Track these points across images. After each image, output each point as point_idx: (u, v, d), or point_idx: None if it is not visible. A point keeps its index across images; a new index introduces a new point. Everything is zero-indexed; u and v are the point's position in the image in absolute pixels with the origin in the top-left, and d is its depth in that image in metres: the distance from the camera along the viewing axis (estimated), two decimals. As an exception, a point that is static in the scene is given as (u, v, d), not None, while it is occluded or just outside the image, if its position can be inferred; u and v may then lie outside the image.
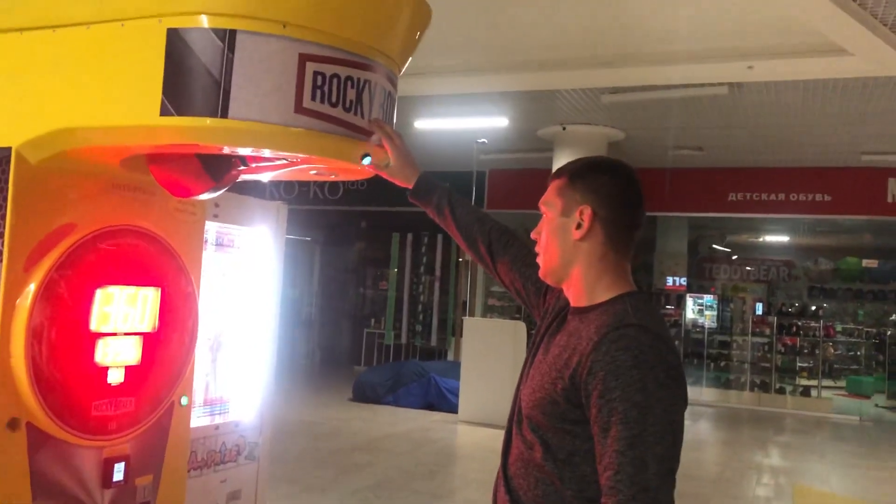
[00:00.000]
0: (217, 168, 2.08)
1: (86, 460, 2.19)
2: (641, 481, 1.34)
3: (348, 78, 1.90)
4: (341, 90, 1.88)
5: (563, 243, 1.59)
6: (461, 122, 9.54)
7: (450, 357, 13.72)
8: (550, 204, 1.63)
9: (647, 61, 6.98)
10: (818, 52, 6.52)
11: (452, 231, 2.04)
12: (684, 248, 16.25)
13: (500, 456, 1.74)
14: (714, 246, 19.25)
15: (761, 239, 19.20)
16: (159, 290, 2.31)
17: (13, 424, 2.00)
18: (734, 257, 19.27)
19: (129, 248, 2.25)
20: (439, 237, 14.13)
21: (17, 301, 1.98)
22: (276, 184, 12.07)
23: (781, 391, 12.22)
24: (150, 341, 2.29)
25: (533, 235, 1.68)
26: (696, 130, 9.91)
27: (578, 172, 1.62)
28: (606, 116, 9.60)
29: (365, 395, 10.12)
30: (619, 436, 1.37)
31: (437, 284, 14.23)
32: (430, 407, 9.70)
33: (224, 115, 1.77)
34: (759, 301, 15.60)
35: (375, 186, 13.89)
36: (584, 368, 1.45)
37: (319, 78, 1.84)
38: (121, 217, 2.21)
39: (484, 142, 10.25)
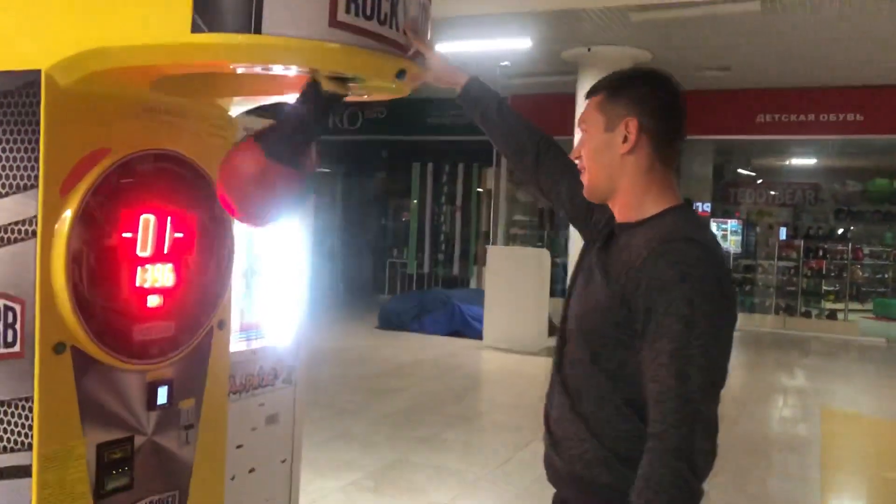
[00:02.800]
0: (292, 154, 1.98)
1: (130, 384, 2.22)
2: (684, 393, 1.36)
3: (382, -12, 1.83)
4: (376, 2, 1.81)
5: (609, 159, 1.58)
6: (483, 44, 9.31)
7: (472, 285, 13.80)
8: (591, 121, 1.61)
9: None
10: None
11: (497, 137, 2.02)
12: (709, 173, 16.03)
13: (549, 372, 1.77)
14: (739, 170, 18.98)
15: (787, 162, 18.86)
16: (195, 214, 2.30)
17: (59, 348, 2.03)
18: (759, 181, 19.01)
19: (163, 172, 2.22)
20: (460, 167, 14.02)
21: (56, 226, 1.98)
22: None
23: (808, 315, 12.18)
24: (188, 266, 2.29)
25: (573, 156, 1.68)
26: (724, 50, 9.62)
27: (619, 86, 1.60)
28: (632, 36, 9.33)
29: (390, 322, 10.23)
30: (663, 349, 1.38)
31: (458, 214, 14.19)
32: (455, 334, 9.79)
33: (257, 30, 1.71)
34: (785, 225, 15.40)
35: (395, 115, 13.78)
36: (633, 283, 1.45)
37: (354, -12, 1.77)
38: (154, 141, 2.18)
39: (507, 65, 10.03)
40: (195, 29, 1.74)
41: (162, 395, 2.31)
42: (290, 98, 2.30)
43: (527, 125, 1.99)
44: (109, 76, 1.99)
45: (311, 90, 1.89)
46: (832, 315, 12.11)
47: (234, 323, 3.03)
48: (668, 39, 9.25)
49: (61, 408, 2.05)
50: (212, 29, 1.73)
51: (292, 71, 1.93)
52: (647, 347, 1.42)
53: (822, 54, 9.52)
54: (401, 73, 1.90)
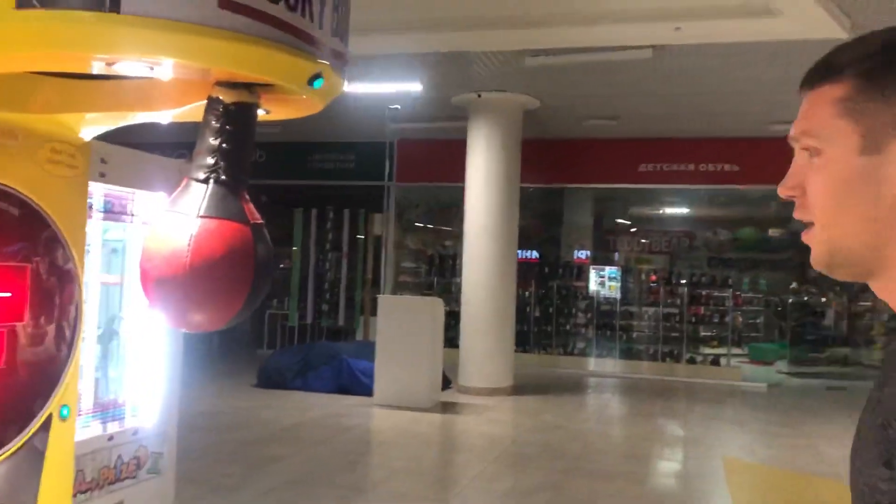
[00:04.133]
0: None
1: (-74, 503, 1.61)
2: None
3: (293, -36, 1.36)
4: (284, -20, 1.35)
5: (873, 204, 0.83)
6: (373, 87, 8.95)
7: (358, 337, 13.20)
8: (828, 134, 0.86)
9: (572, 21, 6.63)
10: (746, 14, 6.34)
11: None
12: (589, 221, 16.28)
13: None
14: (617, 220, 19.46)
15: (662, 211, 19.54)
16: (27, 267, 1.73)
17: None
18: (633, 230, 19.58)
19: (-19, 210, 1.65)
20: (345, 213, 13.52)
21: None
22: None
23: (692, 361, 12.34)
24: (16, 336, 1.70)
25: (786, 192, 0.93)
26: (612, 99, 9.70)
27: (883, 68, 0.83)
28: (523, 83, 9.25)
29: (271, 380, 9.48)
30: None
31: (343, 262, 13.62)
32: (343, 390, 9.16)
33: (114, 8, 1.21)
34: (663, 272, 15.77)
35: (275, 158, 13.15)
36: None
37: (254, -40, 1.30)
38: (-34, 167, 1.61)
39: (397, 108, 9.71)
40: (22, 4, 1.22)
41: (-27, 515, 1.70)
42: (163, 116, 1.78)
43: None
44: None
45: (237, 110, 1.39)
46: (715, 361, 12.32)
47: (86, 402, 2.41)
48: (559, 88, 9.22)
49: None
50: (48, 5, 1.22)
51: (164, 70, 1.43)
52: None
53: (704, 104, 9.76)
54: (316, 79, 1.44)
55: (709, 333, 13.14)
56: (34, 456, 1.83)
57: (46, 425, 1.85)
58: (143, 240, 1.48)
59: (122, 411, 2.56)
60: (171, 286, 1.39)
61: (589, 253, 15.12)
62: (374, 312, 13.20)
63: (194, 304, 1.41)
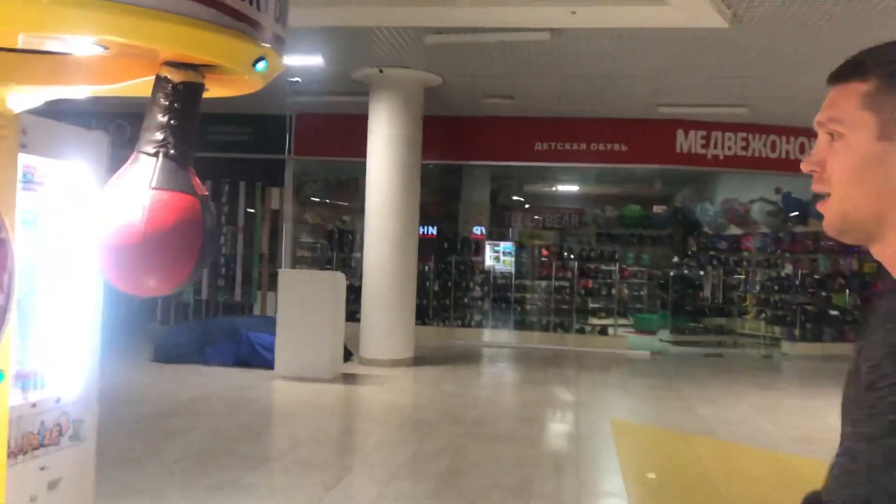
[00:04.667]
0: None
1: None
2: None
3: (241, -45, 1.48)
4: (233, -32, 1.46)
5: (883, 182, 1.03)
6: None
7: (256, 312, 13.10)
8: (851, 122, 1.05)
9: (472, 2, 6.82)
10: (638, 1, 6.71)
11: None
12: (486, 198, 16.67)
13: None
14: (513, 197, 20.01)
15: (555, 188, 20.21)
16: (-38, 235, 1.77)
17: None
18: (527, 206, 20.18)
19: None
20: (241, 185, 13.32)
21: None
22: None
23: (581, 331, 12.94)
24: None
25: (808, 167, 1.11)
26: (510, 78, 9.99)
27: None
28: (424, 60, 9.40)
29: (169, 355, 9.35)
30: None
31: (240, 236, 13.44)
32: (243, 364, 9.15)
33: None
34: (554, 247, 16.38)
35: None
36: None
37: (206, -50, 1.40)
38: None
39: (298, 81, 9.65)
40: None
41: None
42: (94, 89, 1.84)
43: None
44: None
45: (184, 89, 1.49)
46: (603, 331, 12.98)
47: (10, 369, 2.43)
48: (459, 66, 9.41)
49: None
50: (8, -16, 1.28)
51: (83, 44, 1.51)
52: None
53: (597, 87, 10.20)
54: (259, 61, 1.56)
55: (597, 305, 13.82)
56: (-31, 419, 1.88)
57: (-20, 389, 1.89)
58: (94, 211, 1.57)
59: (44, 380, 2.59)
60: (125, 254, 1.48)
61: (485, 229, 15.51)
62: (271, 287, 13.16)
63: (148, 270, 1.51)
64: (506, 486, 5.07)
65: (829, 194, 1.08)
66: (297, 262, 13.36)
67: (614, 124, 12.01)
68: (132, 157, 1.55)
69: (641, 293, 15.48)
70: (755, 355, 12.81)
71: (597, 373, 10.38)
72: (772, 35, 7.66)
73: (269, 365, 8.77)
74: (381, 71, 9.59)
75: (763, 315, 13.74)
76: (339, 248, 14.15)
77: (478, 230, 15.52)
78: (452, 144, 12.28)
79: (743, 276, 14.60)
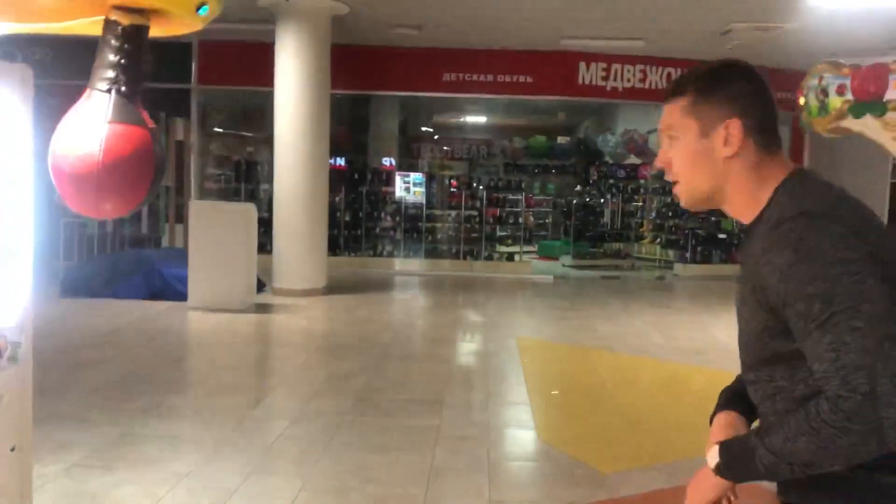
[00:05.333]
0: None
1: None
2: (848, 363, 1.23)
3: None
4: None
5: (710, 166, 1.47)
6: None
7: (164, 245, 12.96)
8: (681, 128, 1.49)
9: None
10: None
11: None
12: (395, 129, 16.74)
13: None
14: (422, 128, 20.09)
15: (463, 119, 20.41)
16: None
17: None
18: (436, 137, 20.35)
19: None
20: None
21: None
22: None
23: (489, 258, 13.43)
24: None
25: (659, 164, 1.56)
26: (418, 8, 10.05)
27: (708, 86, 1.48)
28: (332, -11, 9.33)
29: (77, 289, 9.25)
30: (814, 335, 1.28)
31: (144, 168, 13.14)
32: (155, 297, 9.17)
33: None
34: (463, 178, 16.71)
35: (65, 56, 12.20)
36: (764, 288, 1.38)
37: None
38: None
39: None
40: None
41: None
42: (42, 26, 1.96)
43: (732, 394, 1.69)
44: None
45: (133, 31, 1.65)
46: (510, 257, 13.51)
47: (-53, 296, 2.55)
48: (367, -6, 9.40)
49: None
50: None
51: None
52: (802, 344, 1.33)
53: (503, 18, 10.38)
54: (201, 7, 1.73)
55: (504, 233, 14.33)
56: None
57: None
58: (52, 142, 1.73)
59: (-20, 305, 2.71)
60: (85, 181, 1.66)
61: (395, 160, 15.65)
62: (178, 220, 13.00)
63: (106, 194, 1.69)
64: (420, 399, 5.44)
65: (677, 182, 1.53)
66: (204, 195, 13.21)
67: (519, 56, 12.26)
68: (86, 93, 1.71)
69: (546, 221, 16.12)
70: (650, 277, 13.65)
71: (504, 297, 10.89)
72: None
73: (181, 297, 8.83)
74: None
75: (658, 240, 14.58)
76: (246, 179, 14.04)
77: (387, 161, 15.64)
78: (361, 75, 12.28)
79: (640, 204, 15.37)
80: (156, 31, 1.90)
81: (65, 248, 12.86)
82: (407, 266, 13.33)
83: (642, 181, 15.33)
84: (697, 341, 7.73)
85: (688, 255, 13.67)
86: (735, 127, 1.44)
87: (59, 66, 11.31)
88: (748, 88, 1.47)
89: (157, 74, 9.98)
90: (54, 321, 7.87)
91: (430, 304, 10.73)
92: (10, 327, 2.83)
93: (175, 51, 11.72)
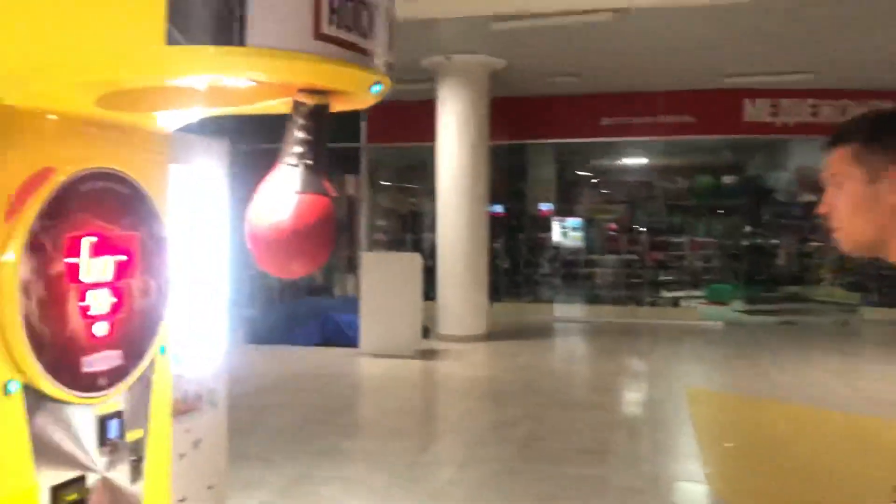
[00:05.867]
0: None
1: (81, 419, 2.07)
2: None
3: (361, 1, 1.83)
4: (356, 14, 1.81)
5: (877, 212, 1.50)
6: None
7: (336, 293, 13.68)
8: (846, 175, 1.52)
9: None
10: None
11: None
12: (552, 175, 16.85)
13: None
14: (578, 172, 20.05)
15: (622, 162, 20.17)
16: (137, 235, 2.18)
17: (10, 387, 1.86)
18: (594, 180, 20.21)
19: (105, 191, 2.09)
20: (317, 173, 13.85)
21: (4, 256, 1.81)
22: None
23: (652, 303, 13.09)
24: (132, 290, 2.16)
25: (822, 210, 1.59)
26: (575, 57, 10.16)
27: (874, 133, 1.51)
28: (489, 45, 9.66)
29: (259, 336, 9.96)
30: None
31: (317, 222, 14.00)
32: (328, 343, 9.68)
33: (241, 42, 1.66)
34: (623, 220, 16.45)
35: (252, 121, 13.35)
36: None
37: (336, 1, 1.75)
38: (96, 158, 2.05)
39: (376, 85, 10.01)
40: (171, 41, 1.66)
41: (112, 429, 2.17)
42: (235, 109, 2.23)
43: None
44: (58, 90, 1.85)
45: (317, 111, 1.86)
46: (675, 303, 13.09)
47: (159, 347, 2.89)
48: (523, 48, 9.64)
49: (13, 451, 1.88)
50: (190, 41, 1.66)
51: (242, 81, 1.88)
52: None
53: (661, 61, 10.27)
54: (377, 85, 1.91)
55: (668, 277, 13.93)
56: (146, 385, 2.31)
57: (152, 360, 2.33)
58: (248, 211, 1.95)
59: (185, 354, 3.03)
60: (276, 246, 1.87)
61: (552, 205, 15.71)
62: (350, 270, 13.69)
63: (295, 257, 1.89)
64: (584, 448, 5.39)
65: (839, 228, 1.55)
66: (373, 245, 13.86)
67: (680, 96, 12.03)
68: (277, 167, 1.92)
69: (713, 264, 15.50)
70: (831, 322, 12.73)
71: (670, 344, 10.55)
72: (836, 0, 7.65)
73: (352, 343, 9.27)
74: (448, 58, 9.90)
75: (839, 281, 13.60)
76: (411, 229, 14.60)
77: (545, 207, 15.72)
78: (519, 124, 12.51)
79: (818, 243, 14.44)
80: (338, 106, 2.11)
81: (250, 298, 13.91)
82: (567, 312, 13.25)
83: (820, 220, 14.40)
84: (887, 392, 7.12)
85: (875, 297, 12.64)
86: None
87: (246, 131, 12.37)
88: None
89: (330, 136, 10.65)
90: (240, 366, 8.49)
91: (592, 350, 10.59)
92: (210, 374, 3.15)
93: (346, 114, 12.42)
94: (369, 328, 9.03)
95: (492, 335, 10.50)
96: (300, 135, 1.90)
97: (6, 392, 1.85)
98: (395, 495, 4.48)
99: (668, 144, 15.74)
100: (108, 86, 1.91)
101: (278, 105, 2.13)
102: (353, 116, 11.95)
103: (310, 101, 1.89)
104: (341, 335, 9.70)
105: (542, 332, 11.69)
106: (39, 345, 1.89)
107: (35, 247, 1.87)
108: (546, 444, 5.51)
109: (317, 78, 1.81)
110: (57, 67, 1.76)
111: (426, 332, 10.05)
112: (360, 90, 1.91)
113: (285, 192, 1.87)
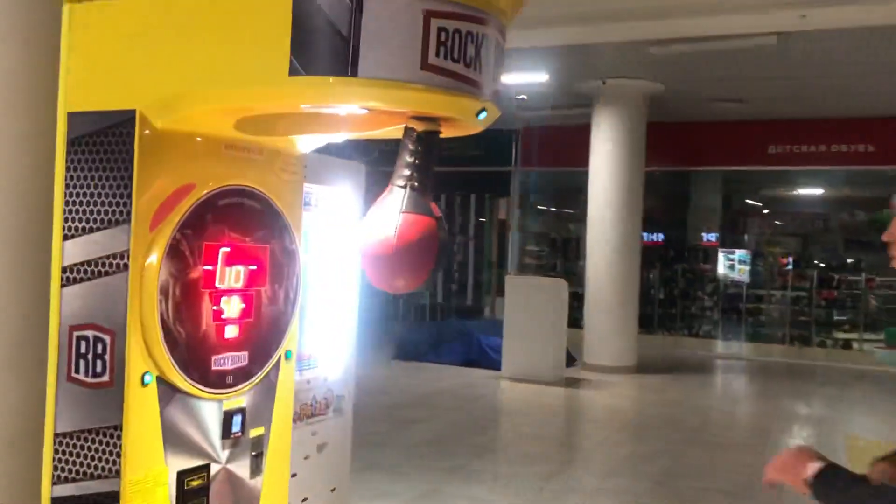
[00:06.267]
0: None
1: (208, 413, 2.28)
2: None
3: (468, 33, 1.92)
4: (463, 46, 1.90)
5: None
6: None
7: (486, 315, 13.84)
8: None
9: (694, 12, 6.88)
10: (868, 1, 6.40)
11: None
12: (718, 204, 16.14)
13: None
14: (747, 201, 19.07)
15: (794, 192, 18.97)
16: (268, 247, 2.38)
17: (146, 378, 2.09)
18: (765, 211, 19.10)
19: (240, 206, 2.31)
20: (472, 197, 14.14)
21: (146, 261, 2.05)
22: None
23: (822, 345, 12.19)
24: (261, 298, 2.36)
25: (887, 238, 1.64)
26: (738, 82, 9.77)
27: None
28: (647, 70, 9.49)
29: (407, 352, 10.26)
30: None
31: (471, 244, 14.28)
32: (472, 364, 9.81)
33: (354, 73, 1.79)
34: (793, 254, 15.46)
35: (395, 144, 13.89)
36: None
37: (443, 34, 1.85)
38: (233, 176, 2.26)
39: (524, 98, 10.18)
40: (293, 72, 1.82)
41: (236, 424, 2.37)
42: (355, 134, 2.39)
43: None
44: (199, 115, 2.08)
45: (425, 137, 1.98)
46: (847, 345, 12.13)
47: (291, 353, 3.10)
48: (682, 72, 9.40)
49: (147, 436, 2.11)
50: (309, 72, 1.81)
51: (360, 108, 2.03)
52: None
53: (834, 86, 9.66)
54: (482, 113, 1.99)
55: (841, 317, 12.91)
56: (270, 386, 2.49)
57: (277, 364, 2.50)
58: (359, 228, 2.09)
59: (315, 362, 3.23)
60: (382, 261, 1.99)
61: (717, 235, 15.05)
62: (500, 293, 13.82)
63: (398, 273, 2.01)
64: (723, 490, 5.14)
65: None
66: (522, 269, 13.91)
67: (857, 124, 11.22)
68: (388, 189, 2.05)
69: (893, 305, 14.17)
70: None
71: (837, 388, 9.78)
72: None
73: (495, 366, 9.35)
74: (604, 83, 9.83)
75: None
76: (563, 255, 14.51)
77: (709, 237, 15.10)
78: (678, 150, 12.15)
79: None
80: (447, 133, 2.21)
81: (402, 314, 14.37)
82: (726, 349, 12.63)
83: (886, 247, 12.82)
84: None
85: None
86: None
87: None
88: None
89: (482, 159, 10.94)
90: (387, 380, 8.81)
91: (749, 390, 10.03)
92: (336, 381, 3.33)
93: (499, 138, 12.70)
94: (511, 352, 9.07)
95: (641, 367, 10.20)
96: (409, 159, 2.01)
97: (143, 383, 2.08)
98: (518, 518, 4.49)
99: (849, 174, 14.67)
100: (243, 111, 2.12)
101: (394, 131, 2.27)
102: (507, 140, 12.12)
103: (419, 127, 2.00)
104: (485, 357, 9.80)
105: (697, 367, 11.20)
106: (174, 342, 2.11)
107: (174, 254, 2.09)
108: (682, 482, 5.30)
109: (424, 106, 1.92)
110: (199, 96, 1.99)
111: (571, 359, 9.95)
112: (467, 117, 2.00)
113: (392, 211, 1.99)
